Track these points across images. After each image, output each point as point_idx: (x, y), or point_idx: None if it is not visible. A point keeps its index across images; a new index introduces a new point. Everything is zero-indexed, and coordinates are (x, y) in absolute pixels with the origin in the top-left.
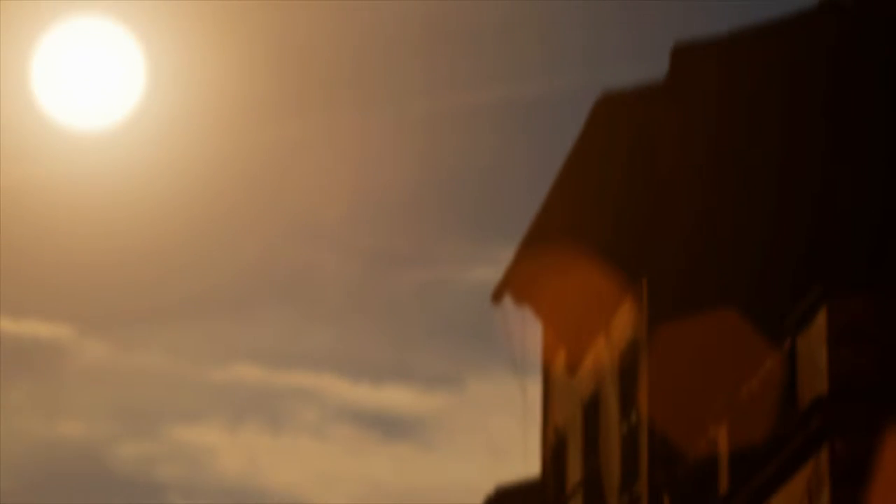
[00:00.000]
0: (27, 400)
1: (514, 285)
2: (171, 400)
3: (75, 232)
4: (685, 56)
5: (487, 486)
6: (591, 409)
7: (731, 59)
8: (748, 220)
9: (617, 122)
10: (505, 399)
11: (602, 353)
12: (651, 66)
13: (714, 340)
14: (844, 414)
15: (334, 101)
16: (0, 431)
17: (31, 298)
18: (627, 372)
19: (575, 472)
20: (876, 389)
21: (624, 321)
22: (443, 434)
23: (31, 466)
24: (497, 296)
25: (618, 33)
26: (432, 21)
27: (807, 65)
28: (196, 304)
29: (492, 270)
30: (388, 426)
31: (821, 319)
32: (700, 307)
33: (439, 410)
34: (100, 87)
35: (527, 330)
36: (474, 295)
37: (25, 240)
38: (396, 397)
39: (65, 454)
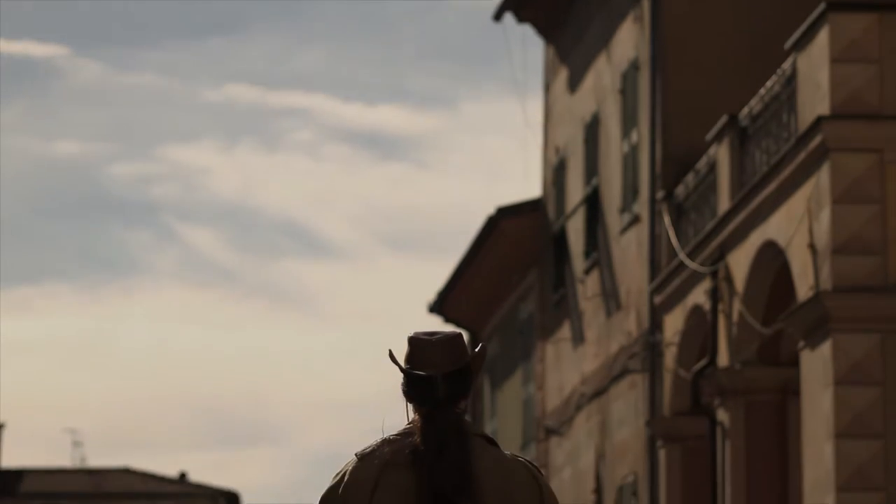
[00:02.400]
0: (22, 121)
1: (515, 2)
2: (166, 120)
3: None
4: None
5: (487, 208)
6: (592, 129)
7: None
8: None
9: None
10: (501, 120)
11: (603, 72)
12: None
13: (717, 62)
14: (845, 132)
15: None
16: None
17: (26, 19)
18: (629, 91)
19: (575, 191)
20: (877, 108)
21: (625, 40)
22: (437, 154)
23: (27, 186)
24: (499, 14)
25: None
26: None
27: None
28: (190, 25)
29: None
30: (382, 146)
31: (822, 38)
32: (704, 27)
33: (433, 131)
34: None
35: (528, 49)
36: (471, 15)
37: None
38: (390, 117)
39: (60, 174)
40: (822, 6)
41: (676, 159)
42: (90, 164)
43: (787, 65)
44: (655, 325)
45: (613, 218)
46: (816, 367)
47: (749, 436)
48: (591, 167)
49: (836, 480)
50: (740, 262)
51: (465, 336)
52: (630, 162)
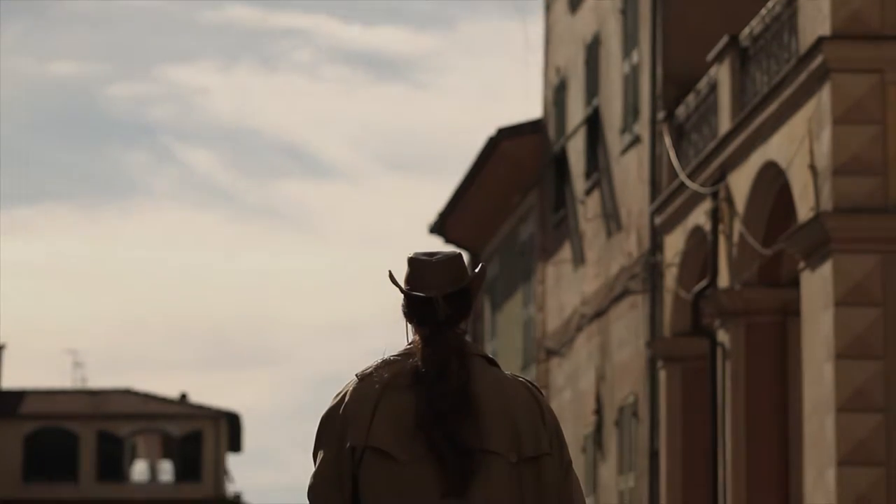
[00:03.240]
0: (20, 42)
1: None
2: (164, 40)
3: None
4: None
5: (488, 129)
6: (593, 50)
7: None
8: None
9: None
10: (501, 41)
11: None
12: None
13: None
14: (846, 52)
15: None
16: None
17: None
18: (630, 11)
19: (576, 112)
20: (878, 28)
21: None
22: (437, 75)
23: (24, 108)
24: None
25: None
26: None
27: None
28: None
29: None
30: (381, 67)
31: None
32: None
33: (433, 51)
34: None
35: None
36: None
37: None
38: (389, 38)
39: (58, 95)
40: None
41: (677, 80)
42: (88, 85)
43: None
44: (656, 245)
45: (614, 138)
46: (817, 287)
47: (749, 356)
48: (592, 88)
49: (835, 401)
50: (741, 182)
51: (466, 257)
52: (631, 82)
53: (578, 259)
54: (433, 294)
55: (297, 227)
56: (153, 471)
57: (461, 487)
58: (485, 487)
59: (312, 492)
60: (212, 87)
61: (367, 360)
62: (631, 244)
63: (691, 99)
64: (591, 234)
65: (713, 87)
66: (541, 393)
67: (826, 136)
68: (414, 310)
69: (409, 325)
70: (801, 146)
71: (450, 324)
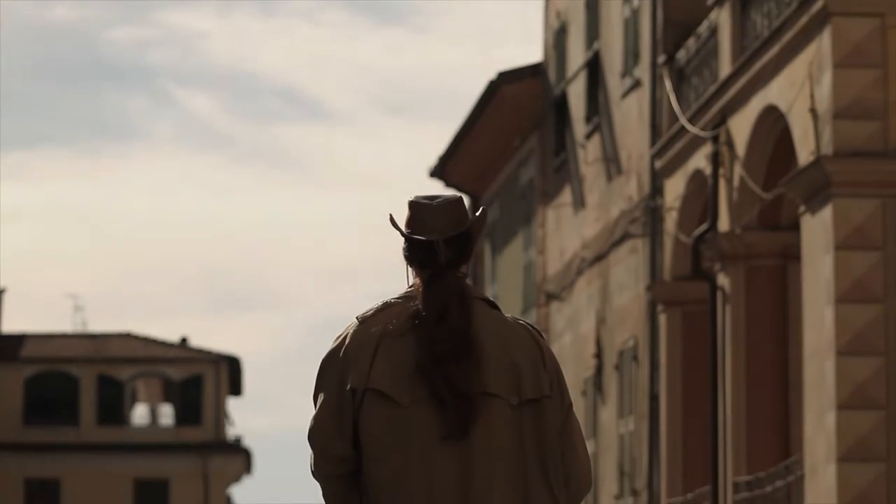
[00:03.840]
0: None
1: None
2: None
3: None
4: None
5: (488, 72)
6: None
7: None
8: None
9: None
10: None
11: None
12: None
13: None
14: None
15: None
16: None
17: None
18: None
19: (576, 56)
20: None
21: None
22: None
23: (23, 51)
24: None
25: None
26: None
27: None
28: None
29: None
30: (380, 10)
31: None
32: None
33: None
34: None
35: None
36: None
37: None
38: None
39: (56, 39)
40: None
41: (677, 23)
42: (87, 28)
43: None
44: (656, 189)
45: (614, 82)
46: (817, 231)
47: (749, 300)
48: (592, 31)
49: (835, 345)
50: (741, 126)
51: (466, 200)
52: (631, 26)
53: (579, 203)
54: (434, 237)
55: (297, 170)
56: (153, 414)
57: (461, 430)
58: (485, 430)
59: (313, 435)
60: (211, 31)
61: (368, 303)
62: (631, 188)
63: (692, 43)
64: (592, 178)
65: (713, 31)
66: (541, 336)
67: (826, 79)
68: (414, 253)
69: (410, 269)
70: (801, 90)
71: (450, 267)
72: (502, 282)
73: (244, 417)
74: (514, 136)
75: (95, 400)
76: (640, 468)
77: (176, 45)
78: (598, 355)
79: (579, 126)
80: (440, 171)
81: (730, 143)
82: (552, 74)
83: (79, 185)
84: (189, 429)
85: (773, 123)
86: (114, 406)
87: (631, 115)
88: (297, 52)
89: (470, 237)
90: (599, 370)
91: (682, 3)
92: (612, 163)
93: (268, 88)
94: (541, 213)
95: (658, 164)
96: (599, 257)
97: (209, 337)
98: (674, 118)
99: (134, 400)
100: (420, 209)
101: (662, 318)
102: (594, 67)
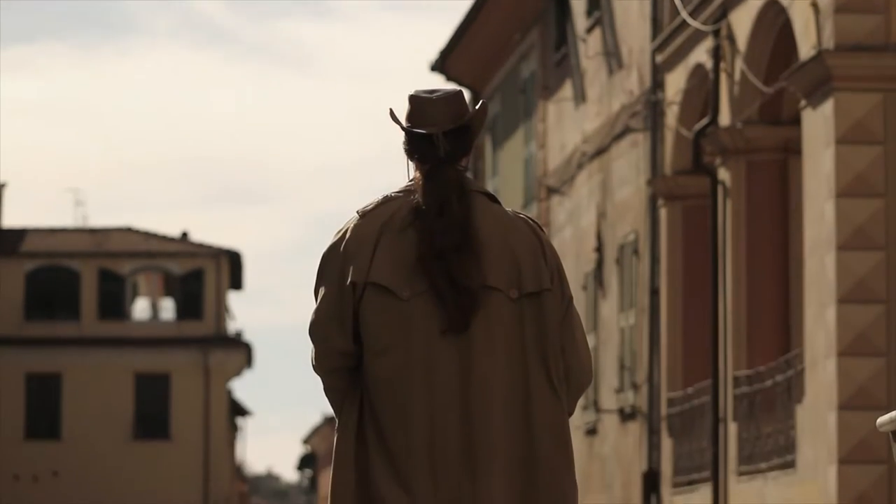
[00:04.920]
0: None
1: None
2: None
3: None
4: None
5: None
6: None
7: None
8: None
9: None
10: None
11: None
12: None
13: None
14: None
15: None
16: None
17: None
18: None
19: None
20: None
21: None
22: None
23: None
24: None
25: None
26: None
27: None
28: None
29: None
30: None
31: None
32: None
33: None
34: None
35: None
36: None
37: None
38: None
39: None
40: None
41: None
42: None
43: None
44: (657, 83)
45: None
46: (818, 125)
47: (750, 195)
48: None
49: (836, 239)
50: (743, 20)
51: (467, 94)
52: None
53: (579, 97)
54: (433, 130)
55: (297, 66)
56: (154, 309)
57: (462, 323)
58: (485, 323)
59: (314, 329)
60: None
61: (368, 198)
62: (632, 82)
63: None
64: (593, 72)
65: None
66: (541, 229)
67: None
68: (415, 147)
69: (410, 163)
70: None
71: (450, 160)
72: (503, 176)
73: (245, 311)
74: (515, 30)
75: (96, 294)
76: (641, 362)
77: None
78: (599, 249)
79: (580, 20)
80: (441, 65)
81: (731, 38)
82: None
83: (78, 79)
84: (190, 323)
85: (775, 17)
86: (114, 300)
87: (632, 8)
88: None
89: (470, 131)
90: (600, 264)
91: None
92: (612, 57)
93: None
94: (541, 107)
95: (659, 58)
96: (600, 151)
97: (210, 231)
98: (675, 12)
99: (135, 294)
100: (420, 103)
101: (663, 213)
102: None
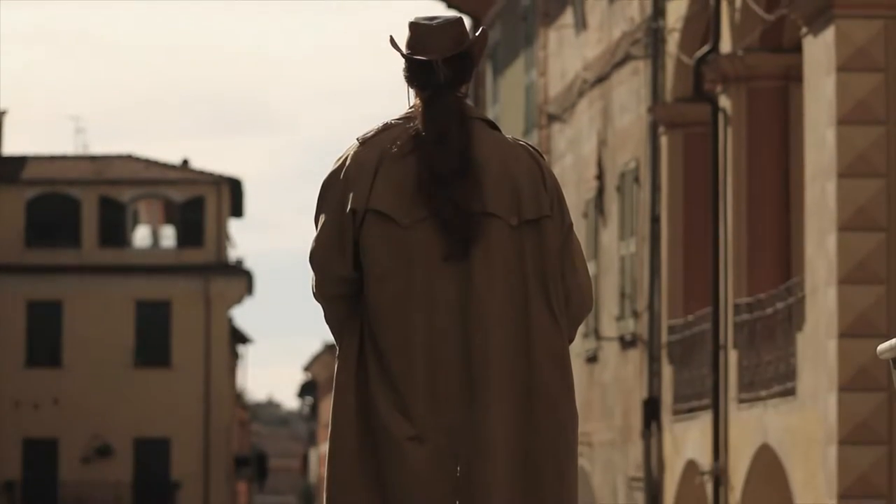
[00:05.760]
0: None
1: None
2: None
3: None
4: None
5: None
6: None
7: None
8: None
9: None
10: None
11: None
12: None
13: None
14: None
15: None
16: None
17: None
18: None
19: None
20: None
21: None
22: None
23: None
24: None
25: None
26: None
27: None
28: None
29: None
30: None
31: None
32: None
33: None
34: None
35: None
36: None
37: None
38: None
39: None
40: None
41: None
42: None
43: None
44: (658, 10)
45: None
46: (819, 53)
47: (751, 122)
48: None
49: (837, 166)
50: None
51: (467, 22)
52: None
53: (580, 24)
54: (433, 57)
55: None
56: (155, 236)
57: (462, 250)
58: (486, 250)
59: (314, 256)
60: None
61: (368, 125)
62: (633, 9)
63: None
64: None
65: None
66: (542, 156)
67: None
68: (414, 74)
69: (410, 90)
70: None
71: (450, 87)
72: (503, 103)
73: (246, 239)
74: None
75: (97, 222)
76: (641, 290)
77: None
78: (600, 177)
79: None
80: None
81: None
82: None
83: (79, 7)
84: (190, 250)
85: None
86: (115, 228)
87: None
88: None
89: (470, 57)
90: (600, 192)
91: None
92: None
93: None
94: (542, 34)
95: None
96: (601, 79)
97: (210, 159)
98: None
99: (135, 222)
100: (420, 30)
101: (664, 140)
102: None
